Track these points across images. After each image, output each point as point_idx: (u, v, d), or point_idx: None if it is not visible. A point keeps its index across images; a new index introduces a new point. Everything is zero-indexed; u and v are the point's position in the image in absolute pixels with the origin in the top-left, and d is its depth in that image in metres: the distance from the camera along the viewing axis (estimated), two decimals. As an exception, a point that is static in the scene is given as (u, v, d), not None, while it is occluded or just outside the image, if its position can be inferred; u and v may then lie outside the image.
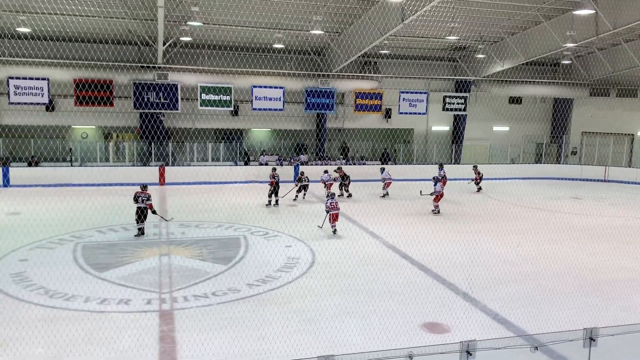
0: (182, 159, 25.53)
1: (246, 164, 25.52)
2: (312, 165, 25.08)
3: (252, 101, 24.51)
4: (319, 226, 14.44)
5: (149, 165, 23.62)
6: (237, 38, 23.14)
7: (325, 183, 19.57)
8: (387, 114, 28.25)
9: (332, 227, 13.98)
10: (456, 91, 28.96)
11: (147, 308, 8.61)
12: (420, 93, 26.91)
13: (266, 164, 24.65)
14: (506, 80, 28.23)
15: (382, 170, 21.15)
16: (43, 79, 21.85)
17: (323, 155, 27.20)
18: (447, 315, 8.55)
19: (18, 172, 21.10)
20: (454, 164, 28.15)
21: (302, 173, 19.64)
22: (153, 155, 24.41)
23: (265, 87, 24.50)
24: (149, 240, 13.08)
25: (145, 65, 23.22)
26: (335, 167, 21.33)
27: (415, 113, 26.99)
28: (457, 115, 29.29)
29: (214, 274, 10.40)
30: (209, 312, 8.51)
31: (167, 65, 23.35)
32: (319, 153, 27.29)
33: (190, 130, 26.09)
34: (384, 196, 20.54)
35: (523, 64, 25.23)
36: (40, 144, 23.90)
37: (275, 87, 24.60)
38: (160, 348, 7.26)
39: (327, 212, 14.09)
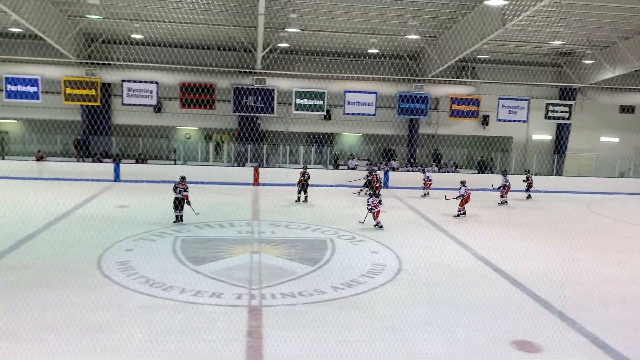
0: (275, 160, 26.31)
1: (336, 167, 25.78)
2: (402, 171, 24.85)
3: (344, 106, 24.75)
4: (360, 222, 15.18)
5: (244, 166, 24.59)
6: (332, 43, 23.50)
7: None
8: (484, 121, 27.33)
9: (377, 223, 14.92)
10: (560, 98, 27.40)
11: (237, 302, 8.98)
12: (521, 100, 25.73)
13: (355, 168, 24.77)
14: (617, 88, 26.26)
15: (424, 171, 21.14)
16: (153, 82, 23.50)
17: (414, 161, 26.84)
18: (539, 334, 8.11)
19: (127, 168, 22.81)
20: (555, 175, 26.66)
21: (305, 171, 19.50)
22: (249, 156, 25.40)
23: (358, 92, 24.63)
24: (242, 237, 13.62)
25: (244, 70, 24.24)
26: (367, 172, 21.26)
27: (514, 120, 25.84)
28: (561, 124, 27.69)
29: (301, 275, 10.62)
30: (295, 311, 8.72)
31: (265, 71, 24.19)
32: (409, 159, 26.96)
33: (284, 133, 26.86)
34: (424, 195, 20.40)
35: (637, 70, 23.35)
36: (147, 142, 25.74)
37: (368, 92, 24.65)
38: (248, 342, 7.53)
39: (370, 209, 14.99)
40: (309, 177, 19.23)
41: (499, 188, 20.14)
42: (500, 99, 25.54)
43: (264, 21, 17.68)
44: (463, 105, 25.68)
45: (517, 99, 25.71)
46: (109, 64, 23.53)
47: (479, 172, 25.81)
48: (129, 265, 10.76)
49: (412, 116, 25.80)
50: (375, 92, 24.71)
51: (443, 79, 25.34)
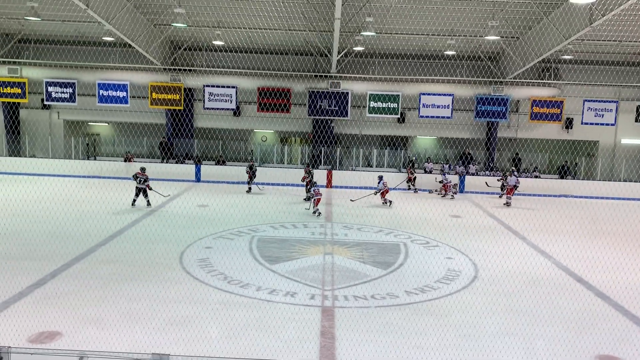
0: (348, 163, 26.42)
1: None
2: (480, 175, 24.14)
3: (419, 108, 24.43)
4: (306, 208, 17.03)
5: (318, 168, 24.89)
6: (408, 46, 23.29)
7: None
8: (568, 124, 26.02)
9: (315, 210, 16.60)
10: (653, 100, 25.57)
11: (310, 302, 9.13)
12: (609, 102, 24.27)
13: (430, 172, 24.38)
14: None
15: (380, 178, 19.88)
16: (232, 87, 24.35)
17: (493, 165, 26.01)
18: (627, 349, 7.64)
19: (208, 169, 23.77)
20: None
21: (310, 170, 20.56)
22: (322, 159, 25.68)
23: (434, 94, 24.23)
24: (315, 238, 13.81)
25: (320, 74, 24.56)
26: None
27: (601, 124, 24.40)
28: (654, 127, 25.81)
29: (374, 278, 10.62)
30: (368, 314, 8.74)
31: (340, 74, 24.39)
32: (488, 163, 26.16)
33: (357, 136, 26.91)
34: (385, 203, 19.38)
35: None
36: (226, 145, 26.68)
37: (444, 95, 24.20)
38: (321, 342, 7.64)
39: (312, 197, 16.81)
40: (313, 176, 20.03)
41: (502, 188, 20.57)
42: (585, 101, 24.22)
43: (340, 25, 17.85)
44: (545, 108, 24.56)
45: (604, 101, 24.27)
46: (192, 70, 24.66)
47: (560, 178, 24.58)
48: (209, 262, 11.22)
49: (490, 119, 25.03)
50: (451, 95, 24.21)
51: (524, 81, 24.40)
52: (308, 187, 19.35)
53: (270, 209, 17.21)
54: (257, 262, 11.44)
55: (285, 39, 22.88)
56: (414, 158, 25.61)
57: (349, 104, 24.49)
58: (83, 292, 9.15)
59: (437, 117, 24.54)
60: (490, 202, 20.17)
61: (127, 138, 26.91)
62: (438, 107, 24.27)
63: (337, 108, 24.57)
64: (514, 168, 20.91)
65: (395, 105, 24.34)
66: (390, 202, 19.03)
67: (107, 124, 28.36)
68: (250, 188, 20.96)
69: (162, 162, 24.85)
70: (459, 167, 24.90)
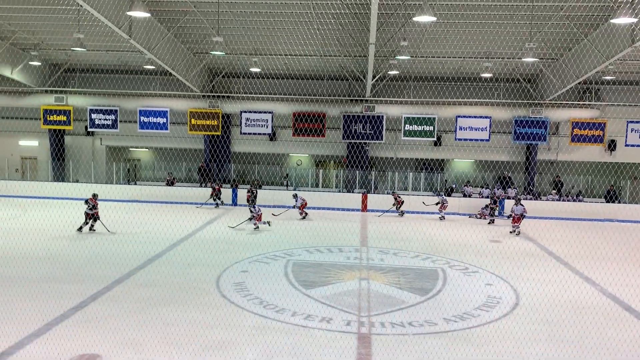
0: (383, 187, 26.27)
1: (448, 195, 25.10)
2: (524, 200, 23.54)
3: (455, 131, 24.21)
4: (230, 226, 17.82)
5: (352, 192, 24.84)
6: (443, 69, 23.25)
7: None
8: (611, 146, 25.27)
9: (256, 225, 17.71)
10: (702, 120, 24.62)
11: (346, 329, 9.01)
12: (654, 123, 23.50)
13: (469, 196, 23.98)
14: None
15: (295, 196, 20.85)
16: (268, 112, 24.74)
17: (532, 189, 25.40)
18: (683, 385, 7.21)
19: (244, 193, 24.03)
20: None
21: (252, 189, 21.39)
22: (357, 182, 25.63)
23: (471, 117, 24.00)
24: (350, 263, 13.70)
25: (354, 98, 24.70)
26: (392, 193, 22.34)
27: (646, 145, 23.63)
28: (702, 148, 24.78)
29: (411, 304, 10.42)
30: (405, 341, 8.55)
31: (374, 98, 24.46)
32: (527, 187, 25.56)
33: (392, 159, 26.80)
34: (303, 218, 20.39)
35: None
36: (262, 169, 26.98)
37: (481, 117, 23.94)
38: (357, 370, 7.51)
39: (253, 217, 17.82)
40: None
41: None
42: (629, 122, 23.52)
43: (374, 50, 17.97)
44: (586, 130, 23.97)
45: (649, 122, 23.53)
46: (230, 96, 25.18)
47: (607, 202, 23.79)
48: (245, 287, 11.25)
49: (529, 141, 24.57)
50: (489, 117, 23.92)
51: (563, 102, 23.93)
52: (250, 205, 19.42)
53: (305, 232, 17.20)
54: (292, 287, 11.40)
55: (321, 64, 23.17)
56: (373, 181, 25.65)
57: (384, 128, 24.48)
58: (122, 315, 9.29)
59: (474, 139, 24.24)
60: (531, 226, 19.65)
61: (166, 163, 27.54)
62: (475, 129, 24.00)
63: (371, 132, 24.59)
64: (520, 197, 19.91)
65: (430, 128, 24.20)
66: (307, 214, 20.42)
67: (147, 150, 29.13)
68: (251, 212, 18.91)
69: (200, 187, 25.27)
70: (498, 190, 24.42)
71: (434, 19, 13.69)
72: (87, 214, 16.56)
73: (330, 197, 23.78)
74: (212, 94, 25.19)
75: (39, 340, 8.10)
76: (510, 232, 18.22)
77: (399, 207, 21.68)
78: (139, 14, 13.88)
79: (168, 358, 7.65)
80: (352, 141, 25.24)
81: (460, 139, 24.35)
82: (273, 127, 25.22)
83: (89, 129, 26.18)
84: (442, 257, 14.54)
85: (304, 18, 17.62)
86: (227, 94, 25.24)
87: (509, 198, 23.24)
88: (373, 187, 25.51)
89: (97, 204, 16.72)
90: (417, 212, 21.46)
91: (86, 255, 13.62)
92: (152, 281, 11.52)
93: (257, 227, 17.71)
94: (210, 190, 23.02)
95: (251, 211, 18.05)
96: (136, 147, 28.84)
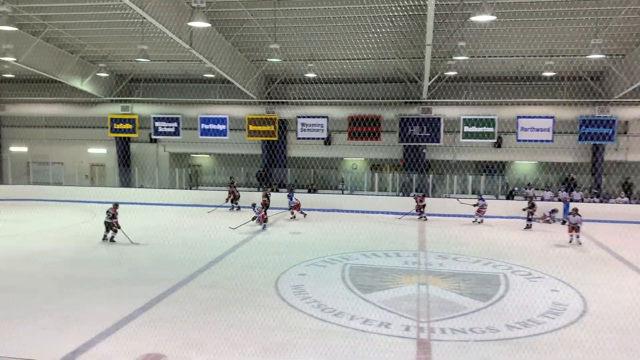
0: (442, 190, 25.82)
1: (508, 197, 24.37)
2: (587, 202, 22.55)
3: (517, 132, 23.48)
4: (230, 227, 17.89)
5: (409, 196, 24.55)
6: (503, 68, 22.62)
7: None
8: (686, 145, 23.76)
9: (263, 225, 18.56)
10: None
11: (405, 334, 8.92)
12: None
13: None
14: None
15: (290, 197, 21.20)
16: (323, 117, 24.92)
17: (599, 192, 24.23)
18: None
19: (300, 197, 24.23)
20: None
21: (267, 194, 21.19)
22: (414, 186, 25.32)
23: (533, 117, 23.23)
24: (408, 268, 13.55)
25: (410, 100, 24.44)
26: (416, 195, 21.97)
27: None
28: None
29: (472, 310, 10.19)
30: (466, 348, 8.37)
31: (431, 100, 24.11)
32: (594, 189, 24.41)
33: (451, 162, 26.29)
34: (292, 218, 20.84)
35: None
36: (318, 173, 27.16)
37: (544, 117, 23.11)
38: (417, 376, 7.42)
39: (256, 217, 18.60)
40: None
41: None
42: None
43: (431, 51, 17.74)
44: (659, 128, 22.64)
45: None
46: (286, 102, 25.54)
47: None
48: (303, 290, 11.35)
49: (596, 142, 23.48)
50: (552, 117, 23.07)
51: (633, 100, 22.71)
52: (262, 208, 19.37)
53: (362, 236, 17.16)
54: (349, 291, 11.40)
55: (376, 67, 23.10)
56: (430, 184, 24.86)
57: (441, 130, 24.09)
58: (186, 316, 9.59)
59: (537, 140, 23.44)
60: (599, 230, 18.74)
61: (226, 168, 28.24)
62: (537, 130, 23.21)
63: (428, 134, 24.25)
64: (577, 208, 17.05)
65: (490, 129, 23.61)
66: (305, 214, 20.82)
67: (208, 156, 29.98)
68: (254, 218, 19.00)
69: (258, 191, 25.72)
70: (562, 193, 23.47)
71: (493, 17, 13.36)
72: (106, 223, 15.96)
73: (386, 200, 23.62)
74: (269, 100, 25.63)
75: (109, 339, 8.50)
76: (570, 242, 17.11)
77: (419, 210, 21.40)
78: (199, 24, 14.33)
79: (230, 359, 7.84)
80: (409, 144, 24.98)
81: (522, 140, 23.60)
82: (328, 131, 25.36)
83: (153, 137, 27.27)
84: (504, 262, 14.12)
85: (360, 22, 17.64)
86: (283, 100, 25.61)
87: (572, 201, 22.26)
88: (431, 191, 25.11)
89: (117, 214, 16.00)
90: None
91: (151, 257, 14.17)
92: (213, 283, 11.84)
93: (265, 227, 18.53)
94: (227, 193, 23.27)
95: (255, 212, 18.76)
96: (197, 153, 29.74)
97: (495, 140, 24.07)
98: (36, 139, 29.26)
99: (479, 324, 9.40)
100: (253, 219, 18.63)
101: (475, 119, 23.65)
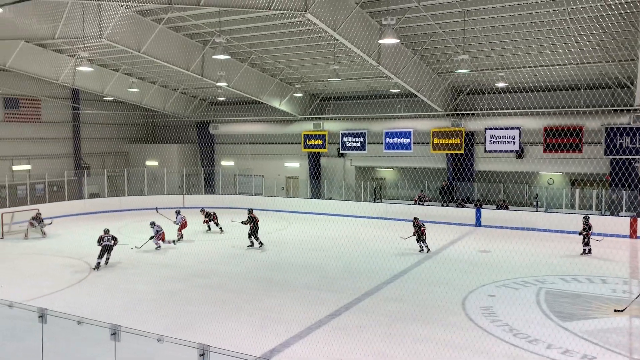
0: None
1: None
2: None
3: None
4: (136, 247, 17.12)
5: (617, 215, 21.73)
6: None
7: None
8: None
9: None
10: None
11: (614, 372, 7.88)
12: None
13: None
14: None
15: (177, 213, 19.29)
16: (515, 128, 23.44)
17: None
18: None
19: (488, 213, 23.14)
20: None
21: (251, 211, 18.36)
22: (624, 204, 22.34)
23: None
24: (617, 297, 11.95)
25: (620, 108, 21.71)
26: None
27: None
28: None
29: (703, 353, 8.58)
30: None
31: (646, 106, 21.12)
32: None
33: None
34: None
35: None
36: (508, 188, 25.59)
37: None
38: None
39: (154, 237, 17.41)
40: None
41: None
42: None
43: (646, 51, 15.59)
44: None
45: None
46: (473, 114, 24.67)
47: None
48: (492, 312, 10.76)
49: None
50: None
51: None
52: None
53: (559, 258, 15.68)
54: (546, 317, 10.47)
55: (576, 72, 21.02)
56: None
57: (659, 140, 20.92)
58: (372, 327, 9.78)
59: None
60: None
61: (409, 182, 28.26)
62: None
63: (643, 146, 21.25)
64: None
65: None
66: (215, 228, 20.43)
67: (391, 169, 30.37)
68: (251, 242, 17.74)
69: (442, 206, 25.21)
70: None
71: None
72: (106, 246, 15.10)
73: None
74: (456, 112, 25.00)
75: (302, 341, 9.06)
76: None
77: (417, 237, 17.12)
78: (389, 41, 14.63)
79: (416, 375, 7.76)
80: (617, 157, 22.15)
81: None
82: (520, 143, 23.76)
83: (341, 151, 28.54)
84: None
85: (558, 25, 16.30)
86: (471, 112, 24.76)
87: None
88: (645, 210, 21.88)
89: (113, 237, 15.36)
90: None
91: (339, 267, 14.78)
92: (399, 296, 11.87)
93: (159, 247, 17.41)
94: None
95: (157, 231, 17.46)
96: (381, 167, 30.31)
97: None
98: (242, 154, 32.75)
99: None
100: (151, 237, 17.42)
101: None
